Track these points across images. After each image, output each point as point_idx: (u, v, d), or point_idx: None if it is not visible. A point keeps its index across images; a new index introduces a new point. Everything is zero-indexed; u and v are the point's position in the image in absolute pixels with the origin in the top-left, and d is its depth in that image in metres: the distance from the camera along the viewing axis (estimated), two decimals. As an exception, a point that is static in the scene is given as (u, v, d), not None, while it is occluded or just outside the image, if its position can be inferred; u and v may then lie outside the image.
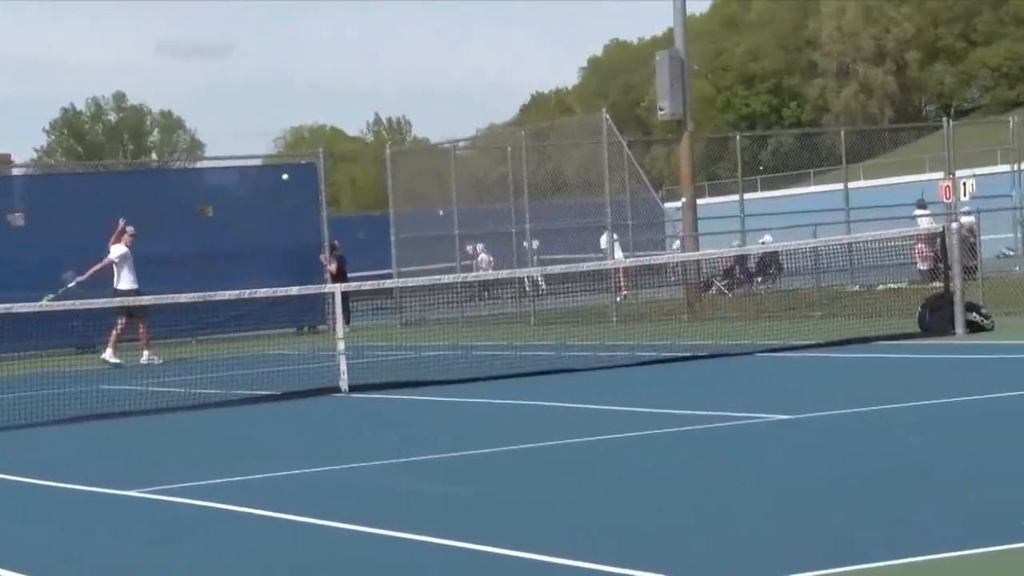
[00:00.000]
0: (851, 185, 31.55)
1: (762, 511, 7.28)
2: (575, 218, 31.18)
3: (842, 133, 32.74)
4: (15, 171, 43.48)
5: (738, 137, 34.44)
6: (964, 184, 26.46)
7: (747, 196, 32.60)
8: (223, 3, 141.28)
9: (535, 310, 26.44)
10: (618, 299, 26.04)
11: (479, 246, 32.42)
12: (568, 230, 30.27)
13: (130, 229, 22.18)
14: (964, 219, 21.09)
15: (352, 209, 70.00)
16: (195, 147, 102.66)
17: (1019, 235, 29.30)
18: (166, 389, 16.25)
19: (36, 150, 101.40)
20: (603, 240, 31.28)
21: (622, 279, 26.37)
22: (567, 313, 25.29)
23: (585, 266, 21.72)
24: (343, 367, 15.11)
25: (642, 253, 27.96)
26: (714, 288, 26.96)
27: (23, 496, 9.53)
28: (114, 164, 63.65)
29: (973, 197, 26.64)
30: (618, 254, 30.30)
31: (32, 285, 23.91)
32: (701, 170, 46.52)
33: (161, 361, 21.11)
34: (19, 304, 15.29)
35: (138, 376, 18.10)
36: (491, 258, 31.74)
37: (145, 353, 21.36)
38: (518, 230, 30.00)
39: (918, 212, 26.84)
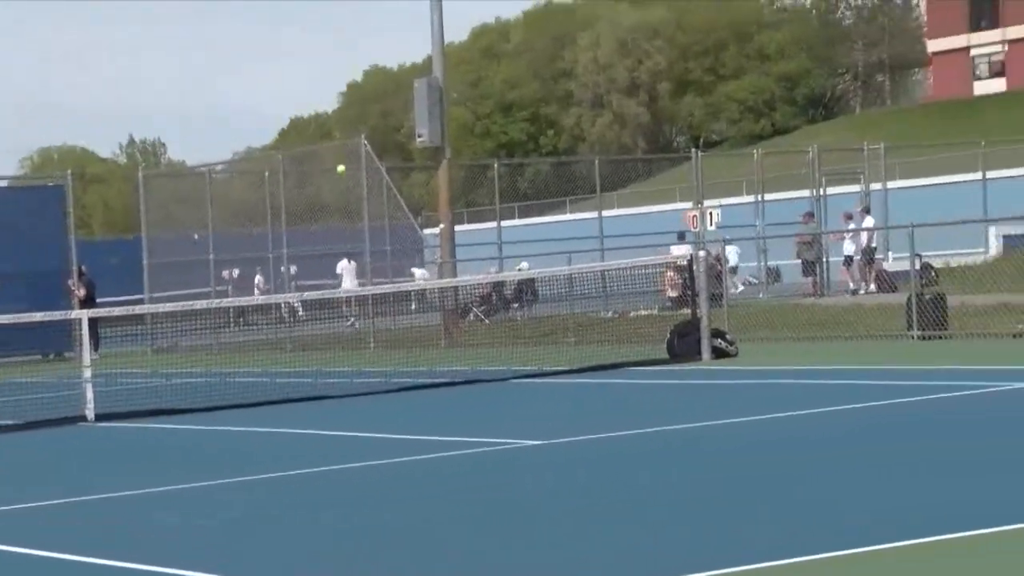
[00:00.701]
0: (605, 213, 32.27)
1: (478, 539, 7.36)
2: (334, 244, 31.06)
3: (596, 162, 33.48)
4: None
5: (496, 165, 34.87)
6: (710, 214, 27.38)
7: (505, 223, 32.99)
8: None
9: (292, 336, 26.16)
10: (347, 325, 26.09)
11: (235, 271, 31.95)
12: (327, 256, 30.13)
13: None
14: (712, 248, 21.81)
15: (105, 233, 68.14)
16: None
17: (763, 264, 30.44)
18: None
19: None
20: (339, 266, 31.27)
21: (353, 306, 26.39)
22: (325, 339, 25.12)
23: (343, 292, 21.60)
24: (89, 395, 14.68)
25: (401, 279, 28.00)
26: (472, 314, 27.18)
27: None
28: None
29: (719, 227, 27.57)
30: (349, 283, 30.34)
31: None
32: (460, 197, 46.85)
33: None
34: None
35: None
36: (264, 279, 31.34)
37: None
38: (276, 255, 29.69)
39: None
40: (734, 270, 31.38)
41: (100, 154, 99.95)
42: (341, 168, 15.63)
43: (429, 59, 26.46)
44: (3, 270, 26.89)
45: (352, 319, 26.93)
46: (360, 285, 29.30)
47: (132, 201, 40.41)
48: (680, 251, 22.94)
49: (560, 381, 16.40)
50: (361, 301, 25.23)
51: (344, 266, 31.73)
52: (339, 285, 30.68)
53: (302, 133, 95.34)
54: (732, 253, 31.05)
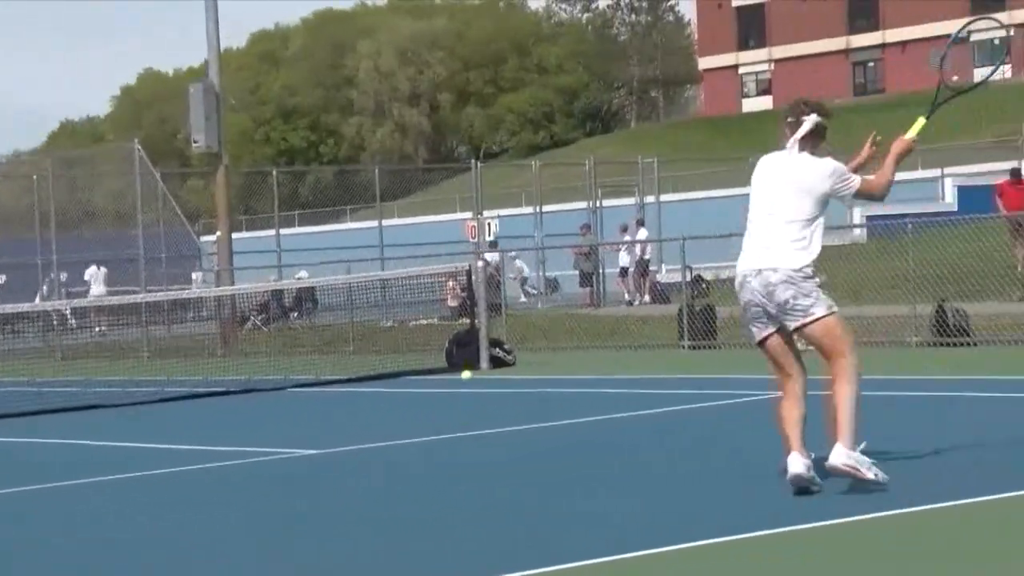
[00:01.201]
0: (385, 223, 32.27)
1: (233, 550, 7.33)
2: (107, 250, 30.31)
3: (376, 171, 33.47)
4: None
5: (275, 172, 34.55)
6: (488, 224, 27.64)
7: (284, 231, 32.67)
8: None
9: (62, 344, 25.43)
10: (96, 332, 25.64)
11: (94, 268, 31.01)
12: (105, 262, 29.37)
13: None
14: (490, 256, 22.05)
15: None
16: None
17: (541, 273, 30.88)
18: None
19: None
20: (88, 273, 30.60)
21: (101, 316, 25.91)
22: (98, 347, 24.48)
23: (116, 300, 21.10)
24: None
25: (176, 287, 27.49)
26: (250, 323, 26.86)
27: None
28: None
29: (497, 237, 27.86)
30: (97, 289, 29.73)
31: None
32: (239, 204, 46.23)
33: None
34: None
35: None
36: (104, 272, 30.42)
37: None
38: (45, 261, 28.80)
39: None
40: (525, 280, 31.76)
41: None
42: (467, 374, 15.45)
43: (206, 64, 26.07)
44: None
45: (100, 328, 26.36)
46: (109, 292, 28.74)
47: None
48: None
49: (338, 390, 16.35)
50: (130, 309, 24.66)
51: (93, 272, 31.07)
52: (87, 292, 30.05)
53: (74, 136, 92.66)
54: (524, 264, 31.45)
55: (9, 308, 20.07)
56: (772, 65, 73.73)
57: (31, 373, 19.78)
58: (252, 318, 27.04)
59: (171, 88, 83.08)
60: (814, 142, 7.78)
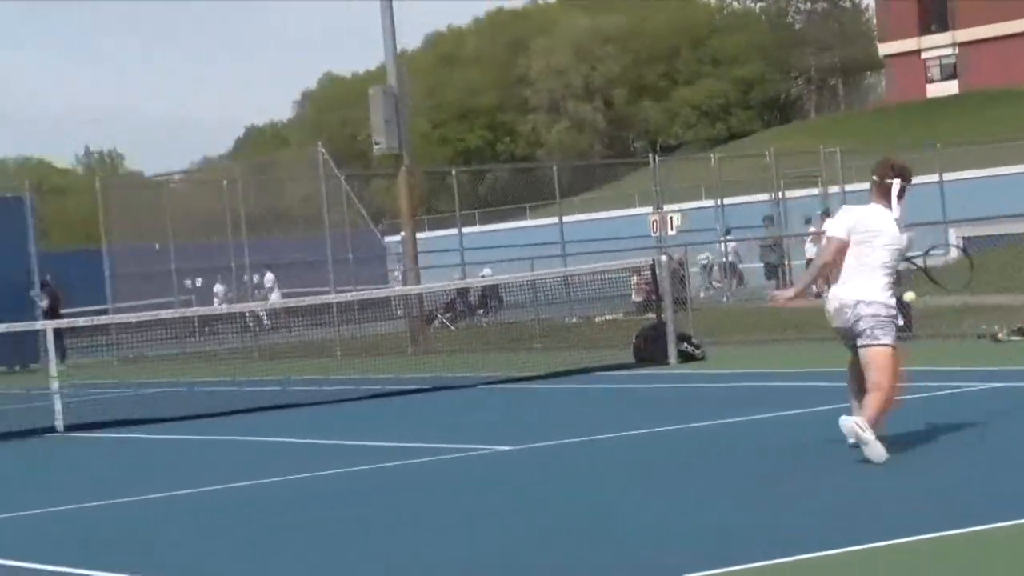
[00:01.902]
0: (566, 219, 32.36)
1: (455, 544, 7.40)
2: (297, 252, 31.02)
3: (555, 168, 33.55)
4: None
5: (454, 172, 34.90)
6: (671, 219, 27.50)
7: (466, 230, 33.02)
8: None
9: (259, 345, 26.11)
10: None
11: (199, 281, 31.87)
12: (293, 264, 30.07)
13: None
14: (675, 252, 21.91)
15: (65, 244, 67.62)
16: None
17: (726, 267, 30.59)
18: None
19: None
20: (267, 279, 31.28)
21: (294, 317, 26.46)
22: (292, 347, 25.07)
23: (308, 300, 21.58)
24: (58, 406, 14.61)
25: (363, 287, 28.00)
26: (437, 321, 27.20)
27: None
28: None
29: (681, 231, 27.69)
30: (274, 295, 30.38)
31: None
32: (421, 204, 46.86)
33: None
34: None
35: None
36: (225, 288, 31.29)
37: None
38: (238, 264, 29.61)
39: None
40: (710, 273, 31.49)
41: (56, 165, 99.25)
42: (910, 295, 14.25)
43: (383, 67, 26.47)
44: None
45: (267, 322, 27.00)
46: (283, 296, 29.40)
47: (91, 212, 40.16)
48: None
49: (528, 387, 16.44)
50: (321, 309, 25.18)
51: (271, 278, 31.89)
52: (266, 296, 30.78)
53: (258, 142, 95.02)
54: (711, 255, 31.10)
55: (206, 310, 20.67)
56: (957, 49, 71.70)
57: (231, 373, 20.36)
58: (439, 316, 27.38)
59: (351, 92, 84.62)
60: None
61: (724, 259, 30.23)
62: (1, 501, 10.03)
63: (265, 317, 27.00)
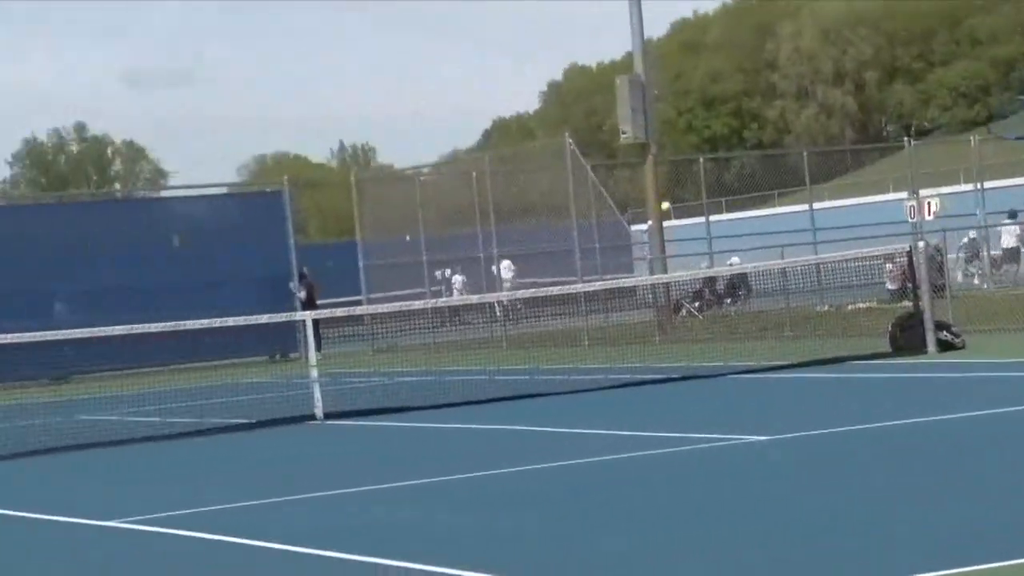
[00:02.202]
0: (816, 205, 31.69)
1: (751, 533, 7.27)
2: (544, 242, 31.23)
3: (805, 154, 32.89)
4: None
5: (701, 160, 34.56)
6: (929, 203, 26.62)
7: (713, 218, 32.67)
8: (185, 32, 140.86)
9: (507, 334, 26.41)
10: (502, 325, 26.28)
11: (447, 272, 32.41)
12: (538, 254, 30.28)
13: None
14: (931, 238, 21.20)
15: (320, 236, 69.86)
16: (158, 176, 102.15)
17: (987, 254, 29.45)
18: (142, 419, 16.12)
19: (0, 182, 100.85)
20: (503, 268, 31.41)
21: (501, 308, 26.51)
22: (539, 337, 25.28)
23: (555, 290, 21.67)
24: (317, 394, 15.04)
25: (610, 276, 28.00)
26: (684, 310, 27.00)
27: (3, 528, 9.41)
28: (78, 195, 63.29)
29: (938, 216, 26.79)
30: (456, 295, 30.47)
31: (4, 314, 23.78)
32: (666, 192, 46.61)
33: None
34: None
35: (113, 406, 17.94)
36: (464, 279, 31.76)
37: None
38: (486, 255, 30.00)
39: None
40: (970, 260, 30.21)
41: (312, 160, 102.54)
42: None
43: (629, 56, 26.39)
44: (229, 274, 27.78)
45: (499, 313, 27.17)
46: (516, 285, 29.57)
47: (345, 205, 41.34)
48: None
49: (779, 376, 16.15)
50: (568, 299, 25.28)
51: (507, 265, 32.11)
52: (501, 286, 31.03)
53: (505, 133, 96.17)
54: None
55: (457, 300, 20.99)
56: None
57: (481, 362, 20.63)
58: (686, 305, 27.18)
59: (596, 81, 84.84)
60: None
61: (986, 244, 29.06)
62: (271, 486, 10.37)
63: (499, 309, 27.28)
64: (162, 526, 8.64)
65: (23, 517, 9.67)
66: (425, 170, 39.41)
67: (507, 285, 31.65)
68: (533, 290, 21.48)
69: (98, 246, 27.44)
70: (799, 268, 22.88)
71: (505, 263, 31.84)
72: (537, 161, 34.72)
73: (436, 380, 18.15)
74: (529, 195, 34.47)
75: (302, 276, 28.46)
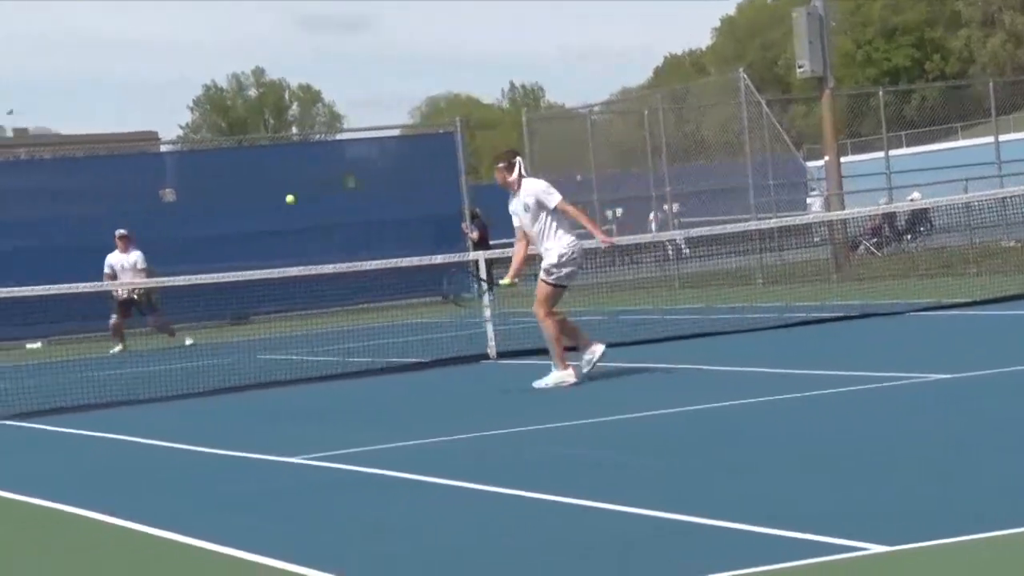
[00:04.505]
0: (1002, 138, 30.74)
1: (951, 467, 7.17)
2: (716, 180, 30.95)
3: (991, 84, 31.89)
4: (163, 148, 44.61)
5: (880, 92, 33.76)
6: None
7: (893, 152, 31.92)
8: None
9: (679, 274, 26.29)
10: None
11: (619, 211, 32.33)
12: (710, 192, 30.03)
13: (120, 232, 22.06)
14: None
15: (491, 177, 70.45)
16: (332, 119, 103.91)
17: None
18: (320, 358, 16.53)
19: (182, 127, 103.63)
20: (651, 216, 31.04)
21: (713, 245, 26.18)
22: (712, 276, 25.11)
23: (729, 228, 21.47)
24: (490, 334, 15.19)
25: (784, 214, 27.62)
26: (862, 248, 26.53)
27: (198, 464, 9.77)
28: (257, 139, 64.75)
29: None
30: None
31: (186, 258, 24.53)
32: (843, 127, 45.66)
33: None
34: (178, 277, 15.58)
35: (293, 346, 18.43)
36: (657, 217, 31.61)
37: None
38: (658, 194, 29.84)
39: None
40: None
41: (483, 101, 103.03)
42: (290, 198, 16.64)
43: (810, -12, 25.83)
44: (403, 215, 28.19)
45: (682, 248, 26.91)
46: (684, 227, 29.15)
47: (515, 145, 41.46)
48: None
49: (962, 313, 15.78)
50: (741, 237, 25.03)
51: (653, 216, 31.79)
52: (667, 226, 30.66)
53: (677, 70, 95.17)
54: None
55: (629, 239, 20.94)
56: None
57: (653, 302, 20.60)
58: (864, 243, 26.69)
59: (772, 16, 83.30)
60: None
61: None
62: (444, 423, 10.56)
63: (684, 245, 27.11)
64: (345, 462, 8.87)
65: (213, 453, 10.03)
66: (596, 109, 39.27)
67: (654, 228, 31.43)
68: (706, 228, 21.29)
69: (275, 188, 28.06)
70: (984, 202, 22.27)
71: (651, 215, 31.62)
72: (710, 98, 34.33)
73: (608, 319, 18.19)
74: (701, 132, 34.12)
75: (474, 217, 28.70)
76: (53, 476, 9.62)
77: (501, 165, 12.64)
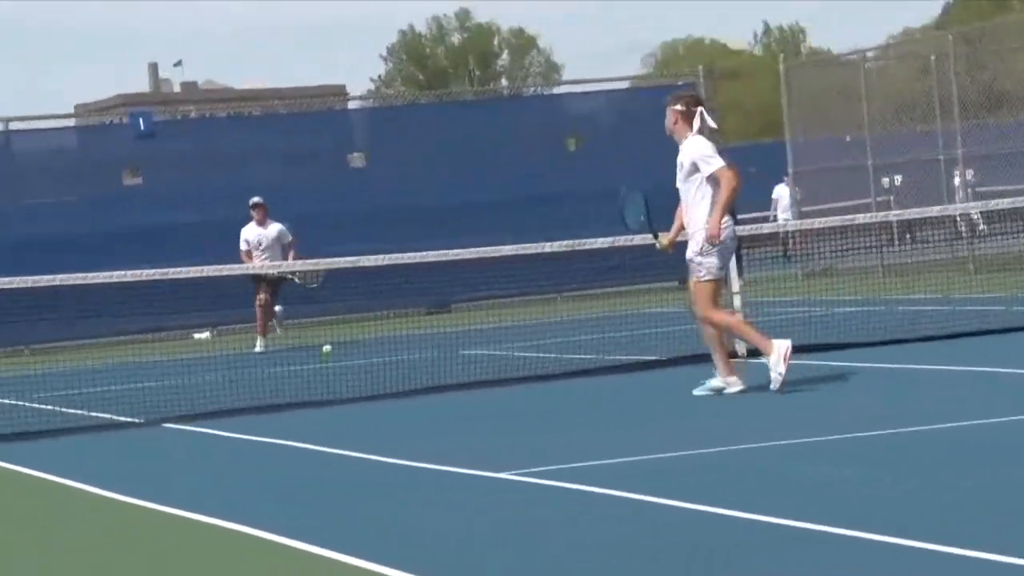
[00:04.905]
0: None
1: None
2: (1020, 141, 30.05)
3: None
4: (351, 104, 45.42)
5: None
6: None
7: None
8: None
9: (974, 255, 25.65)
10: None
11: (898, 178, 31.69)
12: (1012, 155, 29.17)
13: (255, 200, 22.14)
14: None
15: (740, 137, 69.78)
16: (550, 70, 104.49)
17: None
18: (533, 354, 16.61)
19: (373, 80, 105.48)
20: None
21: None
22: (1016, 259, 24.43)
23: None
24: (739, 327, 15.02)
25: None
26: None
27: (388, 477, 9.89)
28: (461, 92, 65.64)
29: None
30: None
31: (376, 235, 24.93)
32: None
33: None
34: (372, 257, 15.78)
35: (501, 339, 18.57)
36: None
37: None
38: (947, 157, 29.13)
39: None
40: None
41: (731, 46, 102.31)
42: (327, 349, 16.27)
43: None
44: (633, 182, 28.06)
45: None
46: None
47: (771, 98, 41.04)
48: None
49: None
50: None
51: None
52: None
53: (972, 7, 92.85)
54: None
55: (912, 213, 20.50)
56: None
57: (941, 289, 20.15)
58: None
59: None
60: None
61: None
62: (676, 436, 10.49)
63: (980, 220, 26.42)
64: (563, 480, 8.86)
65: (407, 466, 10.12)
66: (870, 54, 38.56)
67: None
68: (1009, 200, 20.68)
69: (483, 151, 28.27)
70: None
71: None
72: (1015, 39, 33.34)
73: (884, 311, 17.86)
74: (1002, 83, 33.18)
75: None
76: (242, 493, 9.74)
77: (678, 107, 12.51)
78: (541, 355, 16.37)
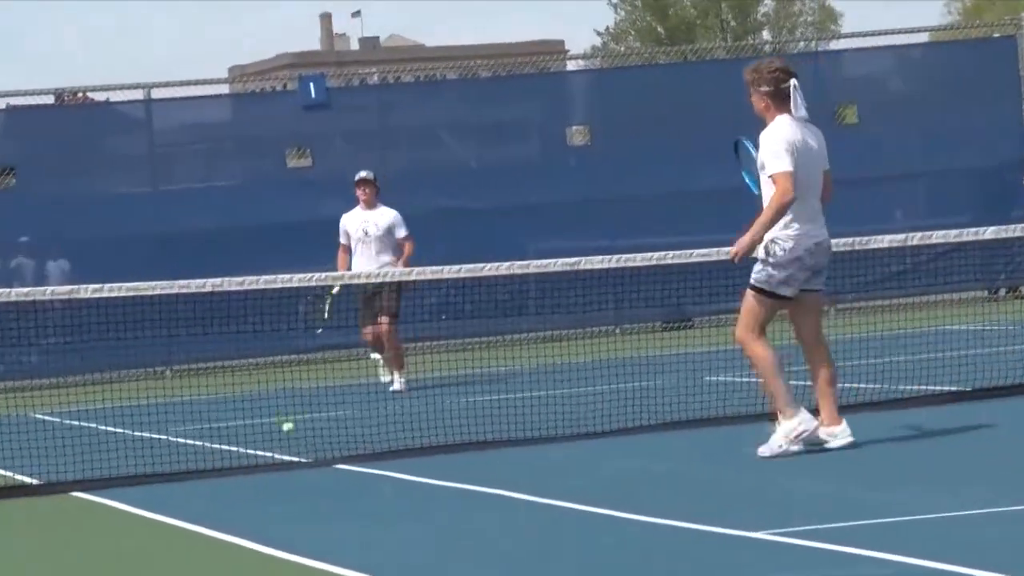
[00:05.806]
0: None
1: None
2: None
3: None
4: (570, 65, 45.55)
5: None
6: None
7: None
8: None
9: None
10: None
11: None
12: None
13: (362, 174, 20.32)
14: None
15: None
16: (826, 19, 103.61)
17: None
18: (796, 382, 16.52)
19: (599, 33, 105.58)
20: None
21: None
22: None
23: None
24: None
25: None
26: None
27: (606, 531, 10.00)
28: (712, 48, 65.43)
29: None
30: None
31: (597, 230, 24.99)
32: None
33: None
34: (590, 258, 15.85)
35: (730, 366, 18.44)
36: None
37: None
38: None
39: None
40: None
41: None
42: (288, 427, 15.21)
43: None
44: (932, 165, 27.77)
45: None
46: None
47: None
48: None
49: None
50: None
51: None
52: None
53: None
54: None
55: None
56: None
57: None
58: None
59: None
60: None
61: None
62: (994, 486, 10.42)
63: None
64: (831, 541, 8.90)
65: (635, 520, 10.19)
66: None
67: None
68: None
69: (739, 125, 28.09)
70: None
71: None
72: None
73: None
74: None
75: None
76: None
77: (765, 89, 12.21)
78: (803, 383, 16.28)
